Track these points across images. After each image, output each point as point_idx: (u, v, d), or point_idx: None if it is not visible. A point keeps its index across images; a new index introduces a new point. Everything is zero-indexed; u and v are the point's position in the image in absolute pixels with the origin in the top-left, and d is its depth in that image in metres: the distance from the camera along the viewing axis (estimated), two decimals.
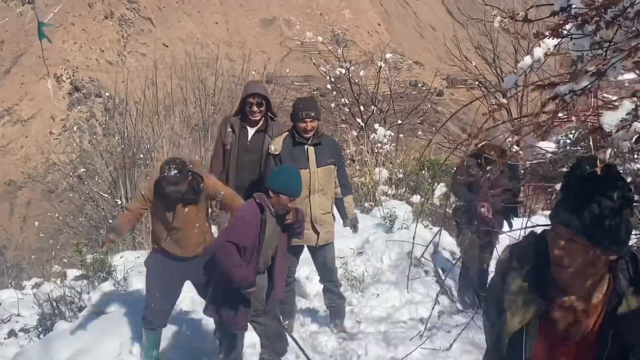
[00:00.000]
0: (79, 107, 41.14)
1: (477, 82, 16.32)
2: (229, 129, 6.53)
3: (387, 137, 12.10)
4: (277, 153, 6.03)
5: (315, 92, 33.61)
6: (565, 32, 2.17)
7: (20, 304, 8.54)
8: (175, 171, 5.38)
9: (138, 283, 7.84)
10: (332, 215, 6.36)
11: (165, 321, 6.04)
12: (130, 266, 8.40)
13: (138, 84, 16.37)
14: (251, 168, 6.53)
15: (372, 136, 12.13)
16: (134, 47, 46.47)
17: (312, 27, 47.57)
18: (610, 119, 2.11)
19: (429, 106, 22.80)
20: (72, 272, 9.89)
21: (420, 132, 18.90)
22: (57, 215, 21.63)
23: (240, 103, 6.55)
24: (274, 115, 6.68)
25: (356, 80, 15.45)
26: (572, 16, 2.06)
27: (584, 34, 2.12)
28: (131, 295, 7.63)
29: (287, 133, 6.16)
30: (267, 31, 49.89)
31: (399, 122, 14.65)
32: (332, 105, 16.62)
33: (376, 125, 12.74)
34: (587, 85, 2.20)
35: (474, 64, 16.10)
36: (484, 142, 6.47)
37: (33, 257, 21.69)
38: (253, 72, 17.31)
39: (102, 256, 8.34)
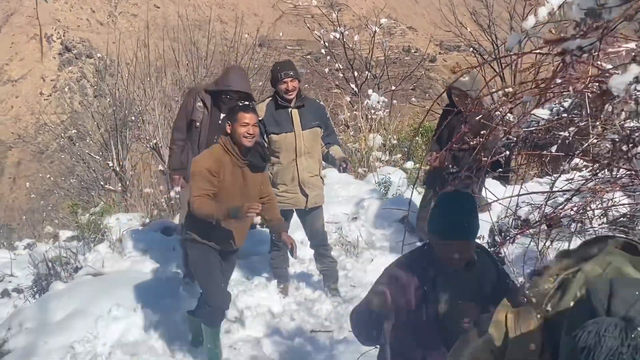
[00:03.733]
0: (69, 68, 40.83)
1: (471, 49, 16.25)
2: (199, 104, 6.16)
3: (381, 103, 12.09)
4: (261, 119, 5.92)
5: (308, 57, 33.43)
6: None
7: (13, 264, 8.56)
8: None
9: (132, 244, 7.90)
10: (321, 178, 6.34)
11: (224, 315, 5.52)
12: (125, 228, 8.44)
13: (129, 45, 16.24)
14: None
15: (365, 102, 12.11)
16: (124, 8, 46.03)
17: None
18: (618, 82, 2.13)
19: (422, 72, 22.74)
20: (64, 233, 9.93)
21: (413, 99, 18.89)
22: (47, 176, 21.61)
23: (218, 85, 6.15)
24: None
25: (350, 45, 15.37)
26: None
27: None
28: (126, 256, 7.69)
29: (269, 99, 6.14)
30: None
31: (393, 88, 14.63)
32: (326, 70, 16.57)
33: (370, 91, 12.73)
34: (594, 42, 2.19)
35: (468, 30, 16.00)
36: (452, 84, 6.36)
37: (24, 217, 21.74)
38: (246, 35, 17.15)
39: (97, 217, 8.35)
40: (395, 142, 11.19)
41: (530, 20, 2.58)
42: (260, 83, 15.64)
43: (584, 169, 6.19)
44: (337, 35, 14.90)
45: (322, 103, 7.27)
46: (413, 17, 49.86)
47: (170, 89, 14.97)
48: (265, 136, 6.02)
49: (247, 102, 4.98)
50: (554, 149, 4.73)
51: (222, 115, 6.05)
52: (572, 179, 5.59)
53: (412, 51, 43.71)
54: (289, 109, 6.02)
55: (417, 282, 3.22)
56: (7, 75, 39.88)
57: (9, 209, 32.18)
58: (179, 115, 6.36)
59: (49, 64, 40.91)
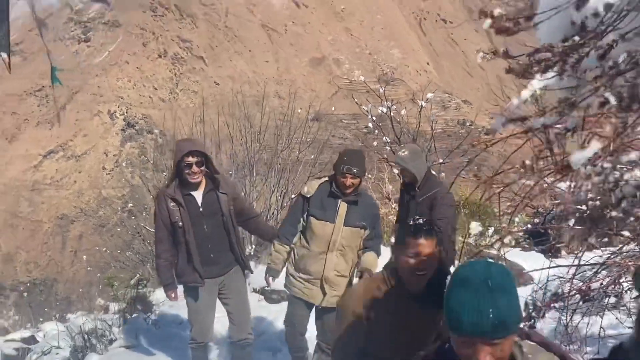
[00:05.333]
0: (130, 143, 42.06)
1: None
2: (172, 204, 5.55)
3: None
4: (309, 196, 5.56)
5: (364, 130, 33.72)
6: (535, 73, 2.23)
7: (60, 337, 8.74)
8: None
9: (168, 318, 8.00)
10: (350, 280, 5.74)
11: None
12: (162, 301, 8.55)
13: (186, 121, 16.71)
14: (213, 236, 5.73)
15: None
16: (186, 85, 47.30)
17: (361, 66, 47.94)
18: (577, 158, 2.15)
19: (474, 145, 22.81)
20: (114, 306, 10.09)
21: (463, 172, 18.79)
22: (105, 249, 22.10)
23: (175, 166, 5.54)
24: (217, 172, 5.81)
25: (398, 120, 15.48)
26: (536, 61, 2.12)
27: (553, 76, 2.18)
28: (160, 329, 7.79)
29: (326, 179, 5.66)
30: (317, 70, 50.38)
31: (440, 161, 14.64)
32: (374, 143, 16.72)
33: None
34: (559, 120, 2.25)
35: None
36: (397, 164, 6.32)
37: (81, 290, 22.19)
38: (299, 110, 17.50)
39: (132, 289, 8.48)
40: None
41: (514, 101, 2.64)
42: (312, 156, 15.89)
43: (616, 242, 6.06)
44: (384, 110, 15.06)
45: (376, 202, 6.40)
46: (468, 91, 49.91)
47: (225, 163, 15.31)
48: (305, 215, 5.62)
49: (420, 222, 3.36)
50: (572, 222, 4.66)
51: (200, 200, 5.63)
52: (612, 253, 5.50)
53: (467, 124, 43.73)
54: (339, 200, 5.51)
55: None
56: (71, 151, 41.22)
57: (70, 281, 32.81)
58: (157, 226, 5.73)
59: (112, 140, 42.20)
